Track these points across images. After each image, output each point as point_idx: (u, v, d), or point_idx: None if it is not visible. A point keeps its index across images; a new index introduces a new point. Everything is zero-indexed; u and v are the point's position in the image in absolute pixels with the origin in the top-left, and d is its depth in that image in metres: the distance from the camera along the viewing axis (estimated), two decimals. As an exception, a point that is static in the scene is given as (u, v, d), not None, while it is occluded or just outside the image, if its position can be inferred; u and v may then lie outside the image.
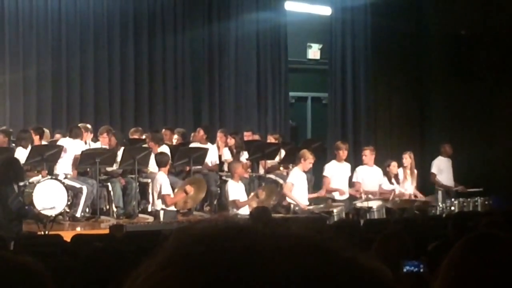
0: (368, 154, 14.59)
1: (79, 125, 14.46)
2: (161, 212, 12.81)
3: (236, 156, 15.25)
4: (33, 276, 2.08)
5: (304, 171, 13.68)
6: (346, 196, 14.09)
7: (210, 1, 18.40)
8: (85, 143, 14.09)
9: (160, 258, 0.93)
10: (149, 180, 13.67)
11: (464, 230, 6.26)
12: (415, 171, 15.04)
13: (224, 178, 14.99)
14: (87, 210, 13.37)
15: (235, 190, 13.18)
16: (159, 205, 12.98)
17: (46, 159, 12.96)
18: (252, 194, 13.42)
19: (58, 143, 13.82)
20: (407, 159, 14.89)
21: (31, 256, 2.20)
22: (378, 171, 14.58)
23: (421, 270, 4.27)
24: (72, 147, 13.46)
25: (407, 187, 14.69)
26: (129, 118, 17.38)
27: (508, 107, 16.77)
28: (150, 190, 13.54)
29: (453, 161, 15.90)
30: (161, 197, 12.94)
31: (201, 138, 15.02)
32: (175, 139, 15.70)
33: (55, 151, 13.15)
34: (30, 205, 11.68)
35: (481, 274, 2.41)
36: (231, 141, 15.56)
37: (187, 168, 14.41)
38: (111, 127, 14.98)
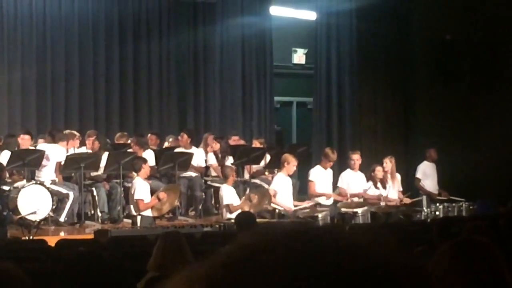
0: (357, 159, 14.56)
1: (66, 131, 14.37)
2: (138, 218, 12.70)
3: (221, 161, 15.23)
4: (13, 281, 2.07)
5: (289, 175, 13.65)
6: (331, 200, 14.07)
7: (195, 5, 18.38)
8: (71, 149, 14.01)
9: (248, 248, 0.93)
10: (134, 185, 13.60)
11: (448, 235, 6.28)
12: (397, 175, 15.05)
13: (209, 183, 14.97)
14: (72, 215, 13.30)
15: (229, 194, 13.18)
16: (133, 210, 12.87)
17: (27, 164, 12.89)
18: (244, 197, 13.41)
19: (38, 147, 13.74)
20: (387, 163, 14.89)
21: (15, 261, 2.19)
22: (361, 176, 14.58)
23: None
24: (53, 152, 13.36)
25: (389, 191, 14.68)
26: (114, 123, 17.32)
27: (492, 111, 16.83)
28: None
29: (438, 166, 15.93)
30: (134, 202, 12.82)
31: (185, 142, 14.95)
32: (166, 147, 15.65)
33: (36, 156, 13.05)
34: (11, 211, 11.62)
35: (464, 279, 2.42)
36: (216, 145, 15.52)
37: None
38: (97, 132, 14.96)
